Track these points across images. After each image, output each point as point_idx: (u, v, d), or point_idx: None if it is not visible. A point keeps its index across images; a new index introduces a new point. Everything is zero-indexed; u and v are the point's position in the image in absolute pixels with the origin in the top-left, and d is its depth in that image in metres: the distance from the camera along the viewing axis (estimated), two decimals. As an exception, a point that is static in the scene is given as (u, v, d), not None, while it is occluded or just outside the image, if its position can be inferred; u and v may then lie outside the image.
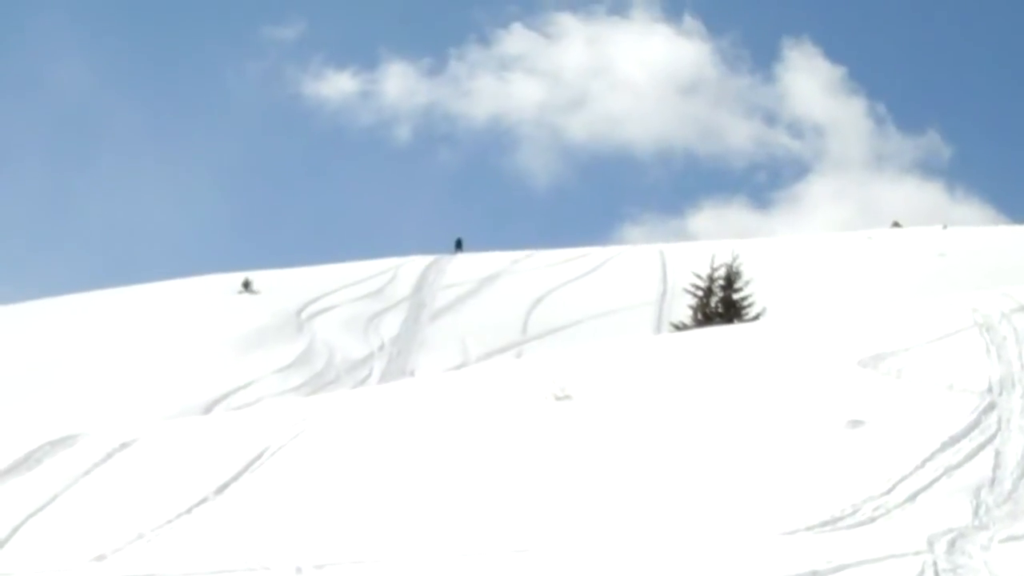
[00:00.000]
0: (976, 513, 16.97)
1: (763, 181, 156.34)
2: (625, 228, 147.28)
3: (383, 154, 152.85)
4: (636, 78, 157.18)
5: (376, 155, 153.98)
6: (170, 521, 20.64)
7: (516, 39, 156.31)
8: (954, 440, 19.61)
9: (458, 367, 44.20)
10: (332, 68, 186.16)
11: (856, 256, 61.51)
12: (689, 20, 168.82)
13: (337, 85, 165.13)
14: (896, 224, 75.81)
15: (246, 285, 59.80)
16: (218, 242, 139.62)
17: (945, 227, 69.85)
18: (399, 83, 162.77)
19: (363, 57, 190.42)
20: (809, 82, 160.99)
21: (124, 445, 25.03)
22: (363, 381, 45.72)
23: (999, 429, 20.06)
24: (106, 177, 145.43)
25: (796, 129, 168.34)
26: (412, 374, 45.63)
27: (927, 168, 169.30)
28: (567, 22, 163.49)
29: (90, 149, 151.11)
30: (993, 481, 18.16)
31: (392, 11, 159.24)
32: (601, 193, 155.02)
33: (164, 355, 48.97)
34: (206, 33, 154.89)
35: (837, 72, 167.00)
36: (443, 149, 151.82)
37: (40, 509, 22.12)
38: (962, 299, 28.73)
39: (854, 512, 17.40)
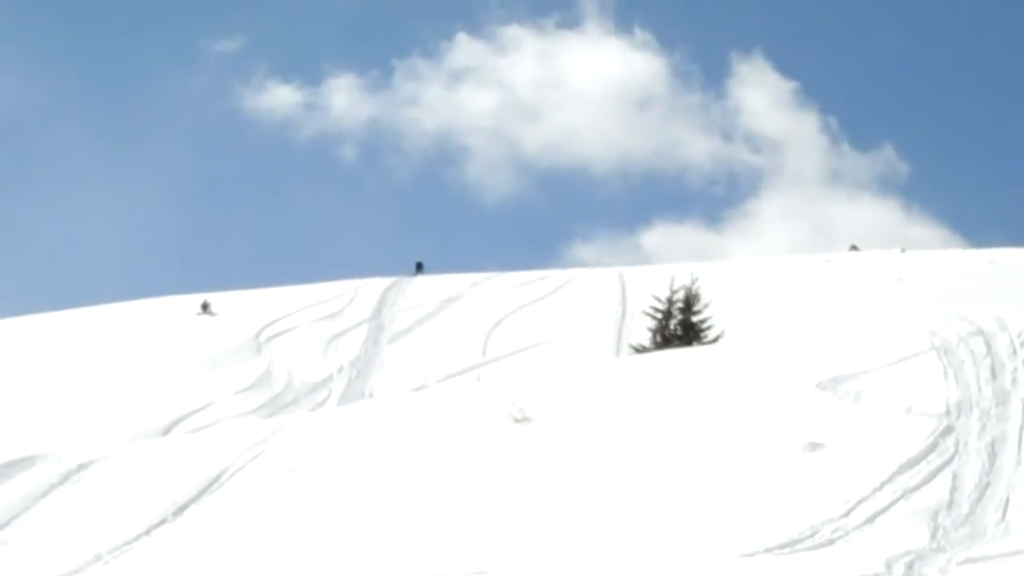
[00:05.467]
0: (934, 536, 17.07)
1: (718, 196, 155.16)
2: (576, 246, 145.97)
3: (331, 168, 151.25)
4: (589, 91, 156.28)
5: (324, 169, 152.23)
6: (128, 543, 20.54)
7: (462, 52, 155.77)
8: (912, 463, 19.72)
9: (418, 389, 44.13)
10: (275, 81, 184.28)
11: (814, 279, 61.68)
12: (640, 33, 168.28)
13: (281, 98, 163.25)
14: (854, 247, 76.03)
15: (204, 307, 59.55)
16: (168, 262, 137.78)
17: (903, 251, 70.16)
18: (344, 96, 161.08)
19: (306, 70, 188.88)
20: (761, 97, 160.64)
21: (82, 467, 24.90)
22: (322, 403, 45.52)
23: (956, 452, 20.17)
24: (48, 196, 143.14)
25: (750, 144, 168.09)
26: (371, 396, 45.48)
27: (883, 184, 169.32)
28: (516, 34, 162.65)
29: (29, 167, 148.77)
30: (951, 504, 18.27)
31: (332, 23, 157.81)
32: (553, 209, 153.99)
33: (122, 376, 48.69)
34: (144, 46, 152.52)
35: (788, 86, 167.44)
36: (392, 162, 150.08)
37: (-3, 531, 21.98)
38: (920, 323, 28.88)
39: (813, 534, 17.46)
